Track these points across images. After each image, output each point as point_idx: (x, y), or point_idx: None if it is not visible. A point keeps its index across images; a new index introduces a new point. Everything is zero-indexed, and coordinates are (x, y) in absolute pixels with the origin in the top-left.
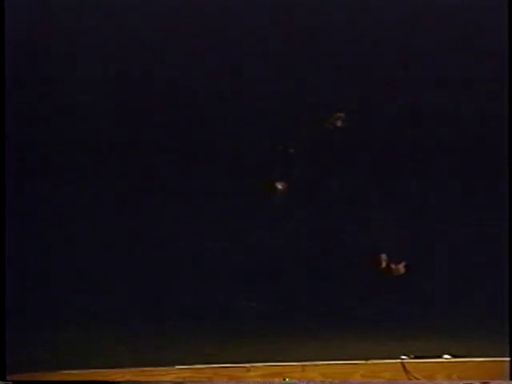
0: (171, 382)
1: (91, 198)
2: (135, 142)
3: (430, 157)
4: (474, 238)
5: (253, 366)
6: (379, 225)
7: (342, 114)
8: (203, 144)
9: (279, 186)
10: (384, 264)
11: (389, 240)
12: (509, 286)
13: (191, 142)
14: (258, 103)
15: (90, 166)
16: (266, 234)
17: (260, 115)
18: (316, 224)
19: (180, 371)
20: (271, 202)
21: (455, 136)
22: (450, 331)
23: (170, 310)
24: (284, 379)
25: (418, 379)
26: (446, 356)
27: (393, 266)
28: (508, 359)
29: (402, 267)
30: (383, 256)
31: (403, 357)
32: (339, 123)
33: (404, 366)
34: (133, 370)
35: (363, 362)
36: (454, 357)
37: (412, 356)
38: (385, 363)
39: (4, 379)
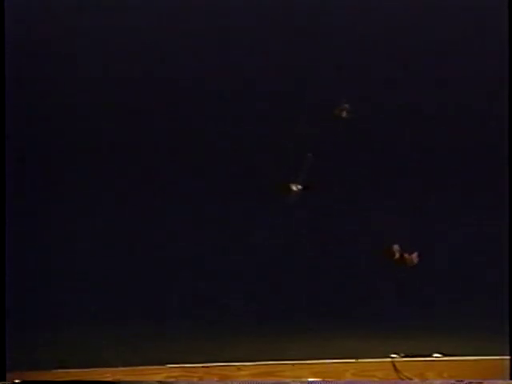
0: (162, 381)
1: (91, 198)
2: (135, 142)
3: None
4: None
5: (243, 365)
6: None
7: (347, 106)
8: (206, 144)
9: (294, 187)
10: (397, 255)
11: (400, 229)
12: (509, 285)
13: (200, 142)
14: (259, 103)
15: (90, 166)
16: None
17: (260, 115)
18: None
19: (171, 370)
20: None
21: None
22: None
23: (169, 309)
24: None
25: (410, 379)
26: (436, 355)
27: (406, 256)
28: (498, 358)
29: (415, 257)
30: (395, 246)
31: (393, 355)
32: (344, 114)
33: (394, 365)
34: (123, 369)
35: (354, 360)
36: (445, 355)
37: (402, 355)
38: (375, 362)
39: (4, 379)
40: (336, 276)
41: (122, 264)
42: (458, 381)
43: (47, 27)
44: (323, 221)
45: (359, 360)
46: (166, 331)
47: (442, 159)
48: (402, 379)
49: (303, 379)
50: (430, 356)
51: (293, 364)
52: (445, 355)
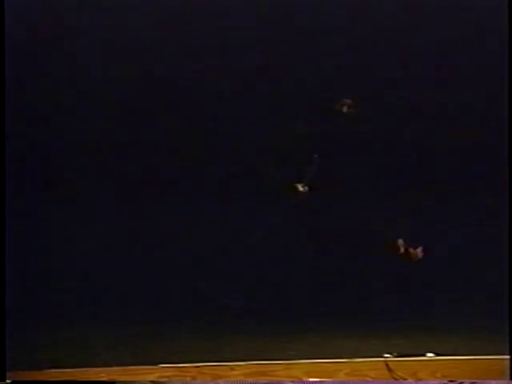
0: (155, 381)
1: (91, 198)
2: (135, 142)
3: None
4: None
5: (236, 365)
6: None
7: (348, 101)
8: (206, 144)
9: (300, 187)
10: (402, 249)
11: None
12: (509, 284)
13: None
14: (259, 103)
15: (90, 166)
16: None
17: (260, 115)
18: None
19: (164, 370)
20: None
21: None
22: None
23: (170, 310)
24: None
25: (403, 379)
26: (429, 354)
27: (411, 251)
28: (493, 357)
29: (420, 251)
30: (400, 241)
31: (387, 355)
32: (345, 109)
33: (387, 365)
34: (117, 368)
35: (347, 360)
36: (438, 355)
37: (395, 354)
38: (369, 361)
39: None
40: (336, 275)
41: (121, 264)
42: (451, 381)
43: (47, 27)
44: (323, 220)
45: (352, 360)
46: (165, 331)
47: (441, 159)
48: (396, 379)
49: (296, 379)
50: (424, 356)
51: (286, 364)
52: (438, 355)
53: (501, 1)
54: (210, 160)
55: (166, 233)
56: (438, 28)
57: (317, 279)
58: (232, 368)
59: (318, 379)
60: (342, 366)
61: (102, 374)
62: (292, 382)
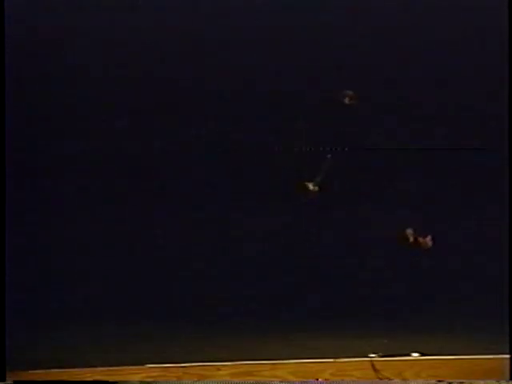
0: (141, 381)
1: (91, 198)
2: (135, 142)
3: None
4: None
5: (223, 365)
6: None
7: (350, 92)
8: (206, 144)
9: (311, 186)
10: (411, 239)
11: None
12: (509, 284)
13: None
14: (259, 103)
15: (90, 166)
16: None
17: (260, 115)
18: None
19: (150, 370)
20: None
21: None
22: None
23: (169, 310)
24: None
25: (389, 378)
26: (414, 354)
27: (421, 240)
28: (479, 357)
29: (429, 240)
30: (409, 231)
31: (372, 355)
32: (347, 100)
33: (373, 365)
34: (102, 369)
35: (332, 360)
36: (423, 355)
37: (381, 354)
38: (354, 362)
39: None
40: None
41: (121, 264)
42: (439, 381)
43: (47, 27)
44: (323, 220)
45: (337, 360)
46: (165, 331)
47: (441, 159)
48: (381, 379)
49: (282, 379)
50: (409, 355)
51: (271, 364)
52: (423, 355)
53: (501, 1)
54: (210, 160)
55: (166, 233)
56: (438, 28)
57: (303, 279)
58: (218, 368)
59: (303, 379)
60: (328, 365)
61: (87, 374)
62: (280, 381)
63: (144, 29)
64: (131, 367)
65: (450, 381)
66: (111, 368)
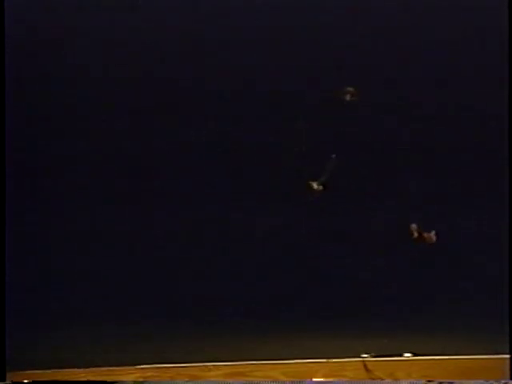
0: (133, 381)
1: (91, 198)
2: (135, 142)
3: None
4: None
5: (214, 366)
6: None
7: (351, 89)
8: (206, 144)
9: (315, 185)
10: (416, 234)
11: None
12: (509, 284)
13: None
14: (259, 103)
15: (90, 166)
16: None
17: (260, 115)
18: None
19: (142, 370)
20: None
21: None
22: None
23: (170, 310)
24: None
25: (382, 379)
26: (406, 354)
27: (425, 235)
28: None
29: (433, 235)
30: (413, 226)
31: (364, 355)
32: (348, 97)
33: (365, 365)
34: (95, 369)
35: (325, 360)
36: (415, 355)
37: (373, 354)
38: (346, 362)
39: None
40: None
41: (121, 264)
42: (429, 381)
43: (47, 27)
44: (323, 220)
45: (330, 360)
46: (165, 331)
47: (441, 159)
48: (373, 379)
49: (274, 379)
50: (401, 356)
51: (263, 364)
52: (416, 355)
53: (501, 1)
54: (210, 160)
55: (166, 233)
56: (438, 28)
57: (291, 279)
58: (210, 368)
59: (295, 380)
60: (320, 366)
61: (80, 374)
62: (272, 382)
63: (144, 29)
64: (123, 368)
65: (441, 380)
66: (103, 368)
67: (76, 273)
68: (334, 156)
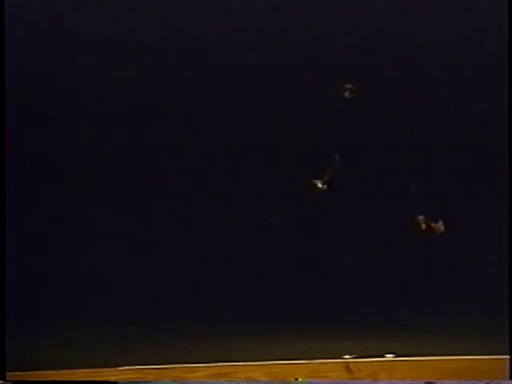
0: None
1: (91, 198)
2: (135, 142)
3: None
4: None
5: (198, 367)
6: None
7: (350, 86)
8: (206, 144)
9: (319, 184)
10: (424, 225)
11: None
12: (509, 284)
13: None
14: (259, 103)
15: (90, 166)
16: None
17: (260, 115)
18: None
19: (125, 372)
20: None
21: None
22: None
23: (169, 310)
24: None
25: (364, 380)
26: (388, 355)
27: (433, 225)
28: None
29: (441, 225)
30: (420, 217)
31: (346, 356)
32: (347, 95)
33: (347, 366)
34: (66, 371)
35: (307, 361)
36: (398, 356)
37: (355, 355)
38: (328, 363)
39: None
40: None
41: (121, 264)
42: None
43: (47, 27)
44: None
45: (312, 361)
46: (165, 332)
47: (441, 159)
48: (355, 380)
49: (257, 380)
50: (383, 356)
51: (246, 365)
52: (398, 356)
53: (501, 1)
54: (210, 160)
55: (166, 233)
56: (438, 28)
57: (274, 280)
58: (193, 370)
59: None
60: (303, 367)
61: (66, 376)
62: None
63: (144, 29)
64: (108, 369)
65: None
66: (88, 370)
67: (76, 273)
68: (337, 156)
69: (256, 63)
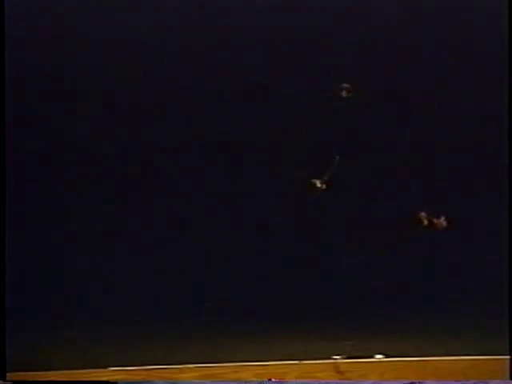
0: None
1: (91, 198)
2: (135, 142)
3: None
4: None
5: (186, 368)
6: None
7: (347, 85)
8: (206, 144)
9: (319, 184)
10: (426, 221)
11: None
12: (509, 284)
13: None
14: (259, 103)
15: (90, 166)
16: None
17: (260, 115)
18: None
19: (113, 373)
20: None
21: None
22: None
23: (169, 310)
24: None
25: (353, 380)
26: (378, 356)
27: (436, 221)
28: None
29: (443, 220)
30: (422, 214)
31: (336, 357)
32: (344, 94)
33: (337, 367)
34: (66, 371)
35: (297, 362)
36: (387, 356)
37: (345, 356)
38: (318, 363)
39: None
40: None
41: (121, 264)
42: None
43: (47, 27)
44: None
45: (302, 362)
46: (165, 332)
47: (441, 159)
48: (344, 380)
49: (247, 380)
50: (372, 357)
51: (235, 366)
52: (387, 356)
53: (501, 1)
54: (210, 160)
55: (166, 233)
56: (438, 28)
57: (274, 280)
58: (181, 370)
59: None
60: (292, 367)
61: (51, 376)
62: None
63: (144, 29)
64: (95, 370)
65: (413, 381)
66: (75, 371)
67: (76, 273)
68: (337, 157)
69: (256, 63)
